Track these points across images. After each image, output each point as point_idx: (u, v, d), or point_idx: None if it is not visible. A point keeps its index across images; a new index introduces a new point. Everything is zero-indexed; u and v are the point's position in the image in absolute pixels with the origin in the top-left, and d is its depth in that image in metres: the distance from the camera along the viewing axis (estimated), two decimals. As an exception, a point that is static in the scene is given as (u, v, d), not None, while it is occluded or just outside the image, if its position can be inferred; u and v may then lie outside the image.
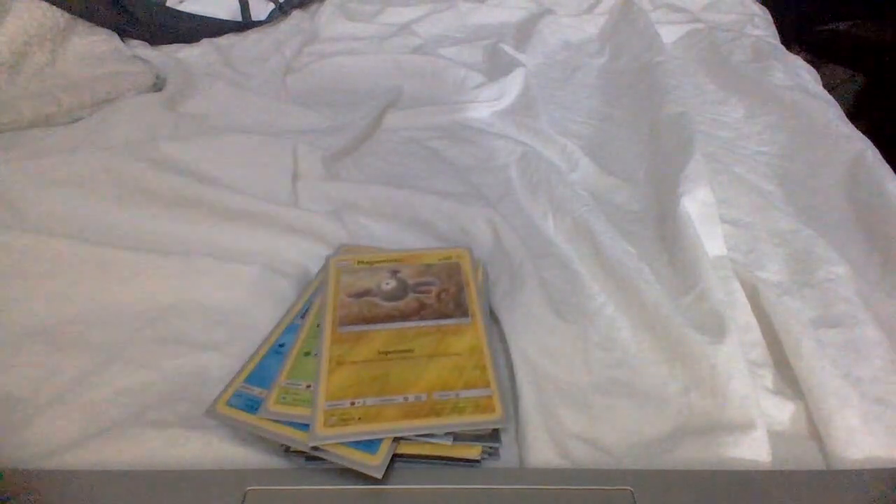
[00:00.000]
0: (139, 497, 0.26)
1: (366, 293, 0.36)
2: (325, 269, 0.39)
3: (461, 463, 0.29)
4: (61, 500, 0.26)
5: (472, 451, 0.29)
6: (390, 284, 0.37)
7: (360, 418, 0.29)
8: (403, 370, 0.31)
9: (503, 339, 0.36)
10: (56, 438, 0.29)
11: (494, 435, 0.30)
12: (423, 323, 0.34)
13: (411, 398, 0.30)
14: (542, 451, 0.30)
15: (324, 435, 0.28)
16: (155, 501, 0.26)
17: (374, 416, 0.29)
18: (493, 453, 0.30)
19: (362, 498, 0.27)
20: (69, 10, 0.62)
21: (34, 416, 0.30)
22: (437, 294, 0.36)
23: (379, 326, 0.34)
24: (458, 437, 0.29)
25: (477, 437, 0.29)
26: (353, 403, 0.30)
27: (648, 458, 0.31)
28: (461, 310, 0.35)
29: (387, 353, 0.32)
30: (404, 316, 0.35)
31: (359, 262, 0.39)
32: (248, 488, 0.26)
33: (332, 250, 0.41)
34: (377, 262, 0.39)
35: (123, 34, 0.69)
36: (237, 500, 0.26)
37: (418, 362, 0.32)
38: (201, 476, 0.27)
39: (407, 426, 0.29)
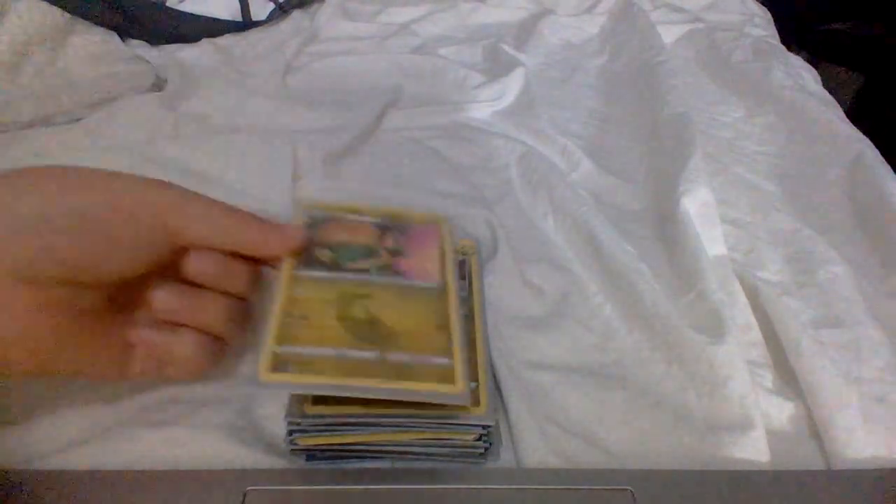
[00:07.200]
0: (139, 497, 0.26)
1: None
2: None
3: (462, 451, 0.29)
4: (61, 500, 0.26)
5: (467, 437, 0.28)
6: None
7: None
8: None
9: (496, 340, 0.36)
10: (56, 438, 0.29)
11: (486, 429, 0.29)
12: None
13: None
14: (537, 451, 0.30)
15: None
16: (155, 501, 0.26)
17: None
18: (489, 438, 0.29)
19: (362, 498, 0.27)
20: (68, 9, 0.62)
21: (34, 416, 0.30)
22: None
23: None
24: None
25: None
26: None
27: (646, 458, 0.31)
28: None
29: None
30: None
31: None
32: (248, 488, 0.26)
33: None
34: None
35: (123, 34, 0.69)
36: (237, 500, 0.26)
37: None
38: (201, 476, 0.27)
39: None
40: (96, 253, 0.25)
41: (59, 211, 0.24)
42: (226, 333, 0.31)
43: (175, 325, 0.29)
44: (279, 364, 0.26)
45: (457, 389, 0.27)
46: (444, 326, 0.30)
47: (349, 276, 0.31)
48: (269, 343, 0.27)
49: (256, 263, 0.31)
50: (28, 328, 0.24)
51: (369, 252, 0.33)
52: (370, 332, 0.28)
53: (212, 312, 0.30)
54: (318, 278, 0.30)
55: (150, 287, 0.28)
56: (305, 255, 0.31)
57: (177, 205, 0.27)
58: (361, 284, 0.31)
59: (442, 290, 0.32)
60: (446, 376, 0.27)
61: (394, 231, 0.34)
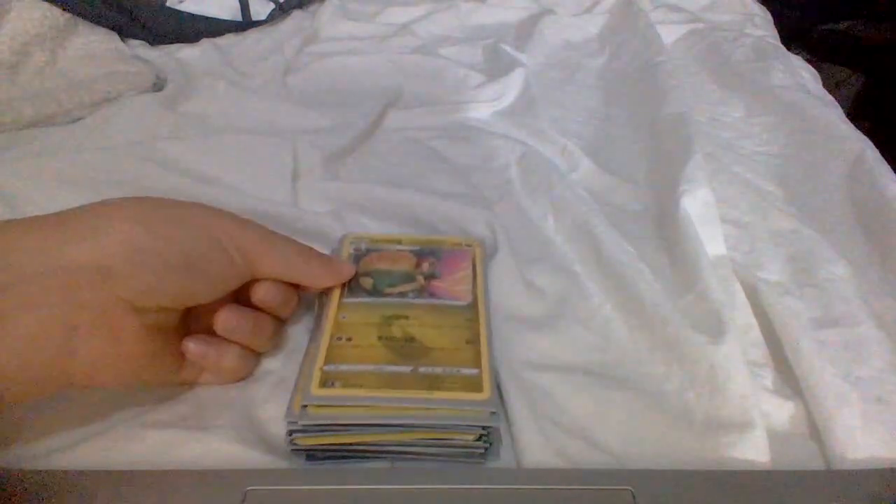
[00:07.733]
0: (139, 497, 0.26)
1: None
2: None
3: (461, 450, 0.29)
4: (61, 500, 0.26)
5: (467, 437, 0.28)
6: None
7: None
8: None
9: (496, 340, 0.36)
10: (56, 438, 0.29)
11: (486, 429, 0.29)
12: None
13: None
14: (537, 451, 0.30)
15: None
16: (155, 501, 0.26)
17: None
18: (488, 439, 0.29)
19: (362, 498, 0.27)
20: (68, 9, 0.62)
21: (33, 416, 0.30)
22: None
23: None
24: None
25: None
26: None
27: (646, 458, 0.31)
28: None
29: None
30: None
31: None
32: (248, 488, 0.26)
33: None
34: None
35: (123, 34, 0.69)
36: (237, 500, 0.26)
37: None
38: (201, 476, 0.27)
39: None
40: (195, 286, 0.28)
41: (172, 249, 0.27)
42: (263, 349, 0.34)
43: (221, 339, 0.31)
44: (327, 380, 0.29)
45: (484, 396, 0.29)
46: (474, 341, 0.32)
47: (389, 300, 0.35)
48: (319, 363, 0.30)
49: (300, 289, 0.35)
50: (124, 351, 0.26)
51: (406, 277, 0.36)
52: (406, 349, 0.31)
53: (262, 334, 0.33)
54: (361, 304, 0.34)
55: (210, 306, 0.30)
56: (350, 284, 0.35)
57: (260, 243, 0.30)
58: (400, 307, 0.34)
59: (472, 307, 0.35)
60: (474, 385, 0.29)
61: (429, 257, 0.38)
